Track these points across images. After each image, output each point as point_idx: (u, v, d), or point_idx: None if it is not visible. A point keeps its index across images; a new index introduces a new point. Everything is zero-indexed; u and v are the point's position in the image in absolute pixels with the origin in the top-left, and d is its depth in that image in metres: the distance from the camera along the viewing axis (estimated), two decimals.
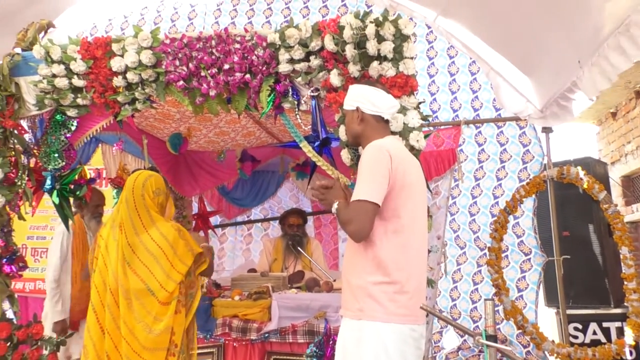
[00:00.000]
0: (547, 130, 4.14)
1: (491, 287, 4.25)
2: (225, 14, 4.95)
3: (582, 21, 2.65)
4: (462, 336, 4.67)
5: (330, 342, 3.08)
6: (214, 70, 2.70)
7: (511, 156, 4.43)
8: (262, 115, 2.83)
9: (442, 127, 4.36)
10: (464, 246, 4.65)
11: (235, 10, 4.94)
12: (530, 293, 4.33)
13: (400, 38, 2.48)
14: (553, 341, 3.97)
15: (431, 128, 4.23)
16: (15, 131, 2.90)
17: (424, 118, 2.57)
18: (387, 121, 2.24)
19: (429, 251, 3.24)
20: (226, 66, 2.67)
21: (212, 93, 2.72)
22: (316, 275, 4.09)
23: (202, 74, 2.71)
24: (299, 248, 4.32)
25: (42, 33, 2.97)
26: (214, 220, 5.48)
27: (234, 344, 3.33)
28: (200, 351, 3.03)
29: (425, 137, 2.52)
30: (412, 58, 2.51)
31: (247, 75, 2.67)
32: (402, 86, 2.46)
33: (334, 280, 3.76)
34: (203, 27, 4.87)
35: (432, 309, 1.70)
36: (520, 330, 4.09)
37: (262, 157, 5.00)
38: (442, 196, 4.25)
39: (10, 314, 2.95)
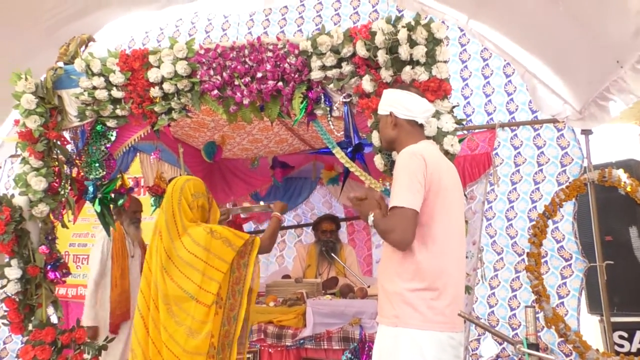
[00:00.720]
0: (586, 132, 4.03)
1: (530, 294, 4.14)
2: (257, 24, 5.03)
3: (619, 20, 2.58)
4: (500, 344, 4.56)
5: (366, 349, 3.05)
6: (248, 78, 2.74)
7: (549, 159, 4.32)
8: (294, 123, 2.86)
9: (477, 130, 4.30)
10: (501, 252, 4.56)
11: (267, 20, 5.01)
12: (571, 300, 4.20)
13: (433, 42, 2.46)
14: (597, 350, 3.83)
15: (465, 132, 4.17)
16: (59, 142, 3.01)
17: (458, 122, 2.54)
18: (421, 125, 2.22)
19: (466, 257, 3.18)
20: (259, 74, 2.71)
21: (246, 101, 2.76)
22: (350, 281, 4.08)
23: (236, 82, 2.75)
24: (332, 254, 4.31)
25: (83, 47, 3.07)
26: (248, 227, 5.54)
27: (270, 350, 3.34)
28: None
29: (460, 141, 2.49)
30: (445, 62, 2.49)
31: (280, 83, 2.70)
32: (436, 90, 2.43)
33: (369, 287, 3.74)
34: (236, 38, 4.95)
35: (471, 316, 1.67)
36: (562, 339, 3.97)
37: (294, 164, 5.03)
38: (478, 201, 4.18)
39: (54, 319, 3.05)
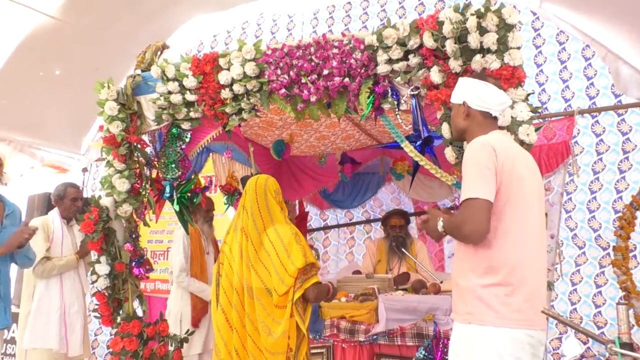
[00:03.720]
0: None
1: (617, 290, 3.89)
2: (322, 22, 5.05)
3: None
4: (585, 343, 4.32)
5: (441, 346, 3.00)
6: (314, 76, 2.76)
7: (636, 146, 4.03)
8: (362, 118, 2.85)
9: (554, 118, 4.08)
10: (583, 245, 4.32)
11: (332, 17, 5.02)
12: None
13: (505, 28, 2.36)
14: None
15: (541, 120, 3.98)
16: (139, 145, 3.18)
17: (534, 110, 2.43)
18: (495, 118, 2.13)
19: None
20: (325, 71, 2.72)
21: (313, 99, 2.78)
22: (422, 276, 4.02)
23: (303, 80, 2.78)
24: (403, 249, 4.27)
25: (158, 53, 3.22)
26: (318, 223, 5.59)
27: (343, 345, 3.36)
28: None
29: (536, 130, 2.38)
30: (518, 48, 2.38)
31: (346, 79, 2.70)
32: (509, 78, 2.34)
33: (441, 282, 3.67)
34: (301, 37, 5.00)
35: (556, 313, 1.59)
36: None
37: (362, 159, 5.01)
38: (555, 192, 3.97)
39: (139, 312, 3.23)
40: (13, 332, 5.09)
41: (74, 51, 4.41)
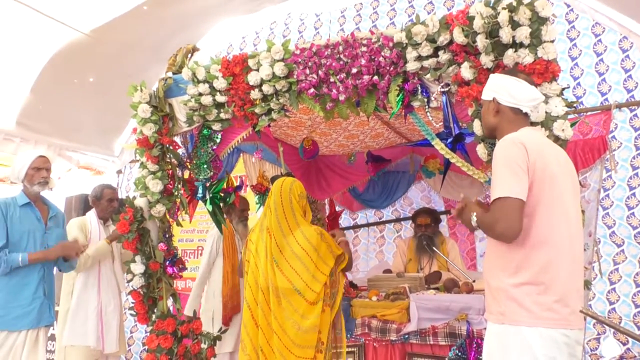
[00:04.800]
0: None
1: None
2: (349, 20, 5.04)
3: None
4: (624, 344, 4.19)
5: (474, 346, 2.95)
6: (343, 75, 2.76)
7: None
8: (391, 116, 2.83)
9: (589, 113, 3.97)
10: (622, 243, 4.19)
11: (359, 15, 5.01)
12: None
13: (538, 21, 2.31)
14: None
15: (576, 115, 3.87)
16: (171, 147, 3.24)
17: (569, 105, 2.37)
18: (526, 114, 2.09)
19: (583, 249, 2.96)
20: (354, 70, 2.71)
21: (342, 97, 2.78)
22: (454, 275, 3.97)
23: (332, 79, 2.78)
24: (434, 248, 4.22)
25: (189, 56, 3.27)
26: (347, 222, 5.58)
27: (374, 344, 3.35)
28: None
29: (572, 125, 2.32)
30: (551, 41, 2.33)
31: (375, 77, 2.69)
32: (542, 72, 2.29)
33: (474, 281, 3.62)
34: (329, 35, 5.01)
35: (594, 313, 1.55)
36: None
37: (391, 158, 4.98)
38: (592, 189, 3.86)
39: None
40: (53, 329, 5.26)
41: (106, 60, 4.53)
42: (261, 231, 2.68)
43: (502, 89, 2.07)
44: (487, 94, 2.14)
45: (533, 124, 2.21)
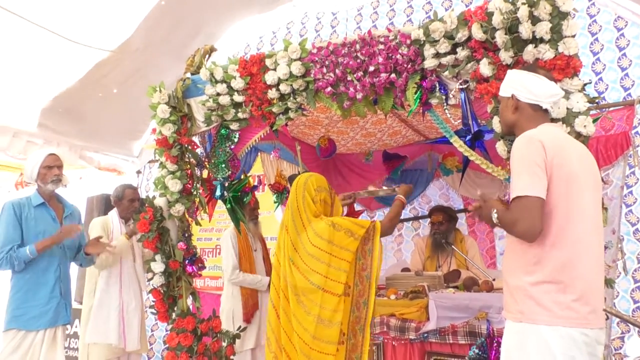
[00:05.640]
0: None
1: None
2: (366, 18, 5.02)
3: None
4: None
5: (495, 345, 2.93)
6: (360, 73, 2.75)
7: None
8: (409, 114, 2.81)
9: (612, 108, 3.89)
10: None
11: (376, 13, 4.99)
12: None
13: (558, 16, 2.27)
14: None
15: (599, 111, 3.80)
16: (189, 147, 3.27)
17: (591, 100, 2.33)
18: (546, 111, 2.06)
19: (605, 247, 2.91)
20: (371, 68, 2.70)
21: (359, 96, 2.77)
22: (473, 274, 3.93)
23: (349, 78, 2.78)
24: (452, 245, 4.19)
25: (207, 57, 3.30)
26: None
27: (393, 343, 3.34)
28: None
29: (594, 121, 2.27)
30: (573, 36, 2.29)
31: (393, 75, 2.67)
32: (563, 68, 2.25)
33: (494, 280, 3.58)
34: (345, 33, 5.00)
35: (619, 311, 1.52)
36: None
37: (409, 156, 4.94)
38: (615, 186, 3.79)
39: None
40: (76, 327, 5.36)
41: (129, 69, 4.62)
42: (281, 229, 2.68)
43: (521, 85, 2.05)
44: (505, 91, 2.12)
45: (554, 120, 2.18)
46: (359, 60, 2.75)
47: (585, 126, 2.21)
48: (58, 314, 3.19)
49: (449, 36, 2.53)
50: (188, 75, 3.28)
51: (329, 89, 2.83)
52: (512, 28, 2.34)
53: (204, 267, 3.36)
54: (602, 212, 2.04)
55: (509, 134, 2.24)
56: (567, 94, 2.22)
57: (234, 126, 3.19)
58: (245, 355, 3.77)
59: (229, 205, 3.27)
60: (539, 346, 1.82)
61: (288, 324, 2.54)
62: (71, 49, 4.11)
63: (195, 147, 3.33)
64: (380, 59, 2.68)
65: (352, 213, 5.11)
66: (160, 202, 3.22)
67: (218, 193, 3.30)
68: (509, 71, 2.17)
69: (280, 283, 2.60)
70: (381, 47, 2.69)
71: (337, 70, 2.80)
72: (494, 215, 1.95)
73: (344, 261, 2.48)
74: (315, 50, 2.87)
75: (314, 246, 2.52)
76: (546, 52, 2.29)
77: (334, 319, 2.44)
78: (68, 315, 3.29)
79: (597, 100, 2.80)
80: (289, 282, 2.56)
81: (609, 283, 3.14)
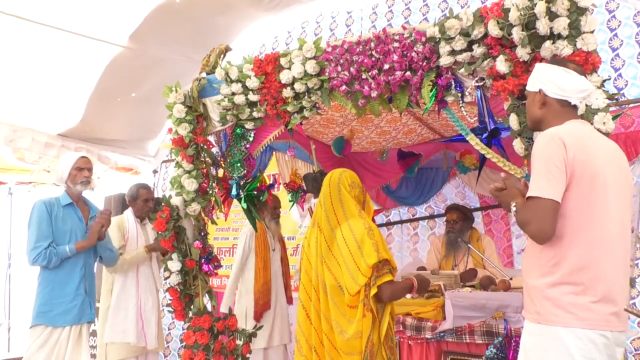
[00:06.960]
0: None
1: None
2: (381, 16, 5.01)
3: None
4: None
5: (512, 344, 2.90)
6: (375, 71, 2.74)
7: None
8: (424, 112, 2.80)
9: (632, 105, 3.83)
10: None
11: (391, 11, 4.97)
12: None
13: (577, 12, 2.23)
14: None
15: (618, 107, 3.74)
16: (205, 146, 3.29)
17: (610, 97, 2.29)
18: (574, 106, 2.00)
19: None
20: (386, 66, 2.69)
21: (374, 94, 2.76)
22: (490, 273, 3.90)
23: (364, 76, 2.77)
24: (469, 244, 4.16)
25: (222, 56, 3.32)
26: (380, 219, 5.55)
27: (409, 342, 3.32)
28: None
29: (613, 118, 2.23)
30: (591, 32, 2.25)
31: (408, 73, 2.66)
32: (582, 64, 2.21)
33: (511, 279, 3.54)
34: (360, 32, 4.98)
35: (639, 311, 1.49)
36: None
37: (424, 154, 4.92)
38: (635, 183, 3.73)
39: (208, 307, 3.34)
40: (94, 325, 5.43)
41: (144, 69, 4.67)
42: (313, 227, 2.60)
43: (549, 80, 1.98)
44: (532, 85, 2.05)
45: (582, 116, 2.13)
46: (373, 59, 2.74)
47: (604, 123, 2.16)
48: (83, 311, 3.25)
49: (465, 33, 2.50)
50: (203, 74, 3.30)
51: (344, 87, 2.82)
52: (529, 24, 2.32)
53: (220, 266, 3.38)
54: (630, 211, 1.98)
55: (535, 130, 2.18)
56: None
57: (249, 125, 3.20)
58: (257, 354, 3.78)
59: (244, 205, 3.28)
60: (557, 347, 1.79)
61: (320, 325, 2.45)
62: (87, 47, 4.13)
63: (210, 146, 3.35)
64: (395, 57, 2.66)
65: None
66: (176, 201, 3.25)
67: (234, 192, 3.32)
68: (537, 65, 2.10)
69: (312, 283, 2.52)
70: (396, 44, 2.68)
71: (351, 69, 2.79)
72: (512, 208, 1.91)
73: (362, 275, 2.34)
74: (329, 49, 2.87)
75: (345, 242, 2.41)
76: (564, 48, 2.25)
77: (349, 330, 2.33)
78: (92, 313, 3.35)
79: (616, 97, 2.76)
80: (320, 281, 2.47)
81: (630, 282, 3.09)
